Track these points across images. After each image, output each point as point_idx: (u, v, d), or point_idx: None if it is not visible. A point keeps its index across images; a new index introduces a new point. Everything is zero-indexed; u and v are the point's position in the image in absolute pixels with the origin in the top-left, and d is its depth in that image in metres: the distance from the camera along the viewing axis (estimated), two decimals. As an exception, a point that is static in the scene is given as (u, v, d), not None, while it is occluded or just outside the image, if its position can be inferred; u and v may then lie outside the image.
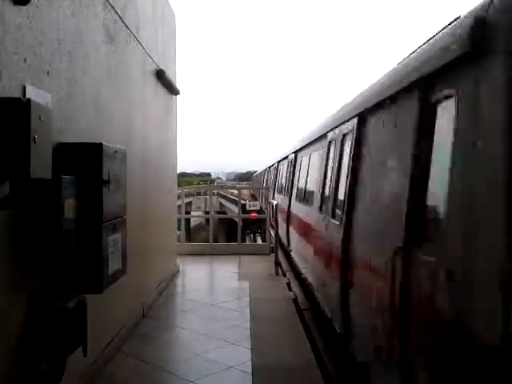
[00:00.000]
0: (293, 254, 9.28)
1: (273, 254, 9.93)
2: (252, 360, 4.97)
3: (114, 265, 3.87)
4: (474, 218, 2.24)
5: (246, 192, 33.16)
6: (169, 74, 8.06)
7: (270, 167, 19.66)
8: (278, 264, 9.41)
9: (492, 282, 2.02)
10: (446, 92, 2.62)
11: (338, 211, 4.86)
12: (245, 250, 11.47)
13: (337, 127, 5.56)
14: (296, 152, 10.03)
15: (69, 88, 3.86)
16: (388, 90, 3.64)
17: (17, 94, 2.99)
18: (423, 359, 2.70)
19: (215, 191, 32.66)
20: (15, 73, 2.98)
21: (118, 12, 5.24)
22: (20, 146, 2.75)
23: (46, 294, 3.30)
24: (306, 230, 7.43)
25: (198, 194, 33.40)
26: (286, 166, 12.21)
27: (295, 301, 7.42)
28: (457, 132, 2.44)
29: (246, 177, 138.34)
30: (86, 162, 3.59)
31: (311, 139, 7.81)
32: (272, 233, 10.51)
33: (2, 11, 2.84)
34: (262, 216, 14.51)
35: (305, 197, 7.83)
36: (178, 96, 9.35)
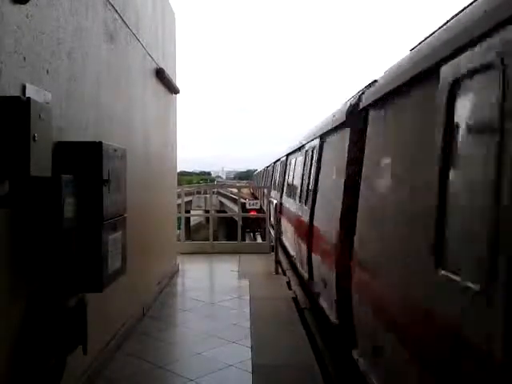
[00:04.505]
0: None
1: (273, 253, 9.94)
2: (252, 358, 4.98)
3: (114, 263, 3.87)
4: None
5: (245, 191, 33.15)
6: (169, 72, 8.05)
7: (267, 167, 24.45)
8: (277, 263, 9.42)
9: None
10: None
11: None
12: (245, 249, 11.49)
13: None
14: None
15: (68, 87, 3.86)
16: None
17: (17, 92, 2.98)
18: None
19: (215, 190, 32.68)
20: (15, 72, 2.98)
21: (118, 11, 5.23)
22: (20, 144, 2.75)
23: (46, 292, 3.30)
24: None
25: (198, 192, 33.37)
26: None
27: (295, 299, 7.42)
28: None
29: (246, 175, 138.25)
30: (86, 161, 3.58)
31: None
32: (272, 231, 10.52)
33: (2, 10, 2.83)
34: (261, 215, 14.52)
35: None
36: (177, 94, 9.34)
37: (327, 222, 5.52)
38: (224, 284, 8.53)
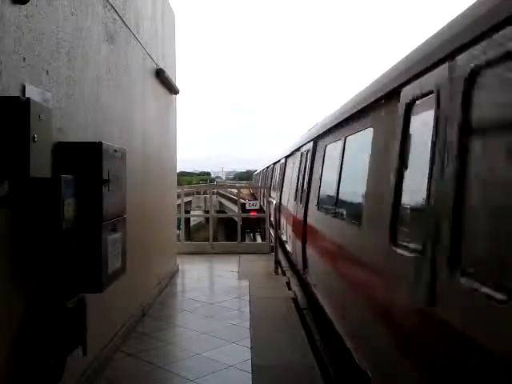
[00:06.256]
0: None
1: (272, 253, 9.94)
2: (252, 359, 4.98)
3: (113, 264, 3.87)
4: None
5: (245, 191, 33.16)
6: (168, 72, 8.05)
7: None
8: (277, 263, 9.42)
9: None
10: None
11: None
12: (244, 249, 11.48)
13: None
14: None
15: (68, 87, 3.86)
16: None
17: (16, 93, 2.98)
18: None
19: (215, 190, 32.69)
20: (14, 72, 2.98)
21: (118, 11, 5.23)
22: (19, 145, 2.75)
23: (46, 293, 3.30)
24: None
25: (198, 193, 33.39)
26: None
27: (295, 300, 7.42)
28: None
29: (245, 176, 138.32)
30: (86, 161, 3.59)
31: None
32: (272, 232, 10.52)
33: (2, 10, 2.83)
34: (261, 215, 14.53)
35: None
36: (177, 95, 9.34)
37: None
38: (224, 284, 8.53)
